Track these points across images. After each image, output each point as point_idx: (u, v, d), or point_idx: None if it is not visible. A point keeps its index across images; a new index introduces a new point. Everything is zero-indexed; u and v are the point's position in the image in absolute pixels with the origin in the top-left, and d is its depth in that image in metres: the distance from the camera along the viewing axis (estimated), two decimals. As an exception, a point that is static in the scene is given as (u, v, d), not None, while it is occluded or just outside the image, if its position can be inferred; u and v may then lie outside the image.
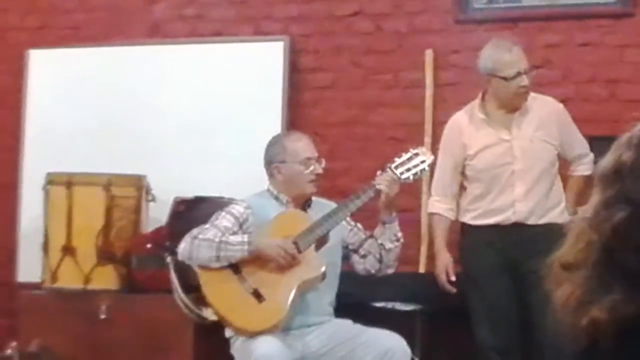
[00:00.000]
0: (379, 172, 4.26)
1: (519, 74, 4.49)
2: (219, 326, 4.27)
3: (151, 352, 4.91)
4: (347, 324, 4.26)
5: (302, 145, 4.36)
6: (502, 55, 4.52)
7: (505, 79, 4.48)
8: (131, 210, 5.30)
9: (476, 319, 4.57)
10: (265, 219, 4.25)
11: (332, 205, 4.36)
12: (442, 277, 4.61)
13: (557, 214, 4.53)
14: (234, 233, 4.18)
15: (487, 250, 4.54)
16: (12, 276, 5.80)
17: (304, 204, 4.36)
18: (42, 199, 5.32)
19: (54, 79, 5.91)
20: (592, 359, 1.48)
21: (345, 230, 4.36)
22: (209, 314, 4.42)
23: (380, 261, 4.34)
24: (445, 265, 4.62)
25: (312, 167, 4.31)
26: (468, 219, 4.64)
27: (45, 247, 5.27)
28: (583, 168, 4.67)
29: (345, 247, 4.38)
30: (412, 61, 5.49)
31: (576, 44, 5.30)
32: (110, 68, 5.82)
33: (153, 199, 5.40)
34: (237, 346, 4.16)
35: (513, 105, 4.57)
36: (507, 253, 4.50)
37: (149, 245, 5.12)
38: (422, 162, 4.30)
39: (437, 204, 4.72)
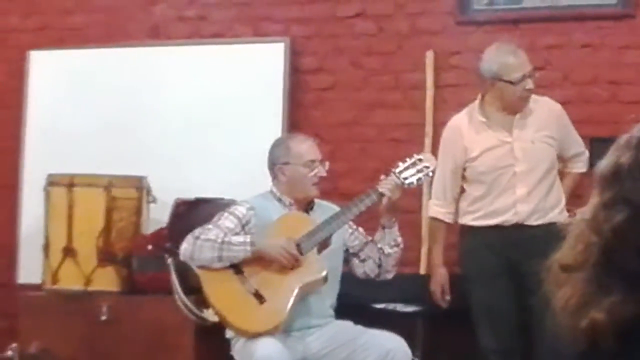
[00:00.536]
0: (382, 177, 4.27)
1: (524, 77, 4.48)
2: (219, 328, 4.26)
3: (152, 353, 4.91)
4: (348, 325, 4.26)
5: (306, 148, 4.36)
6: (506, 58, 4.51)
7: (511, 82, 4.47)
8: (132, 211, 5.30)
9: (477, 321, 4.57)
10: (268, 220, 4.25)
11: (335, 208, 4.36)
12: (438, 294, 4.64)
13: (557, 214, 4.53)
14: (237, 234, 4.18)
15: (486, 252, 4.54)
16: (13, 277, 5.80)
17: (307, 206, 4.36)
18: (42, 200, 5.32)
19: (54, 80, 5.91)
20: (592, 361, 1.48)
21: (347, 234, 4.36)
22: (209, 316, 4.42)
23: (379, 266, 4.34)
24: (441, 283, 4.64)
25: (316, 170, 4.31)
26: (468, 220, 4.64)
27: (46, 249, 5.26)
28: (579, 166, 4.72)
29: (346, 251, 4.38)
30: (413, 62, 5.49)
31: (577, 46, 5.30)
32: (111, 69, 5.82)
33: (154, 200, 5.40)
34: (238, 348, 4.16)
35: (516, 108, 4.56)
36: (506, 255, 4.50)
37: (149, 247, 5.11)
38: (426, 167, 4.32)
39: (436, 207, 4.72)
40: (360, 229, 4.41)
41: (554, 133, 4.60)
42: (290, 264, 4.13)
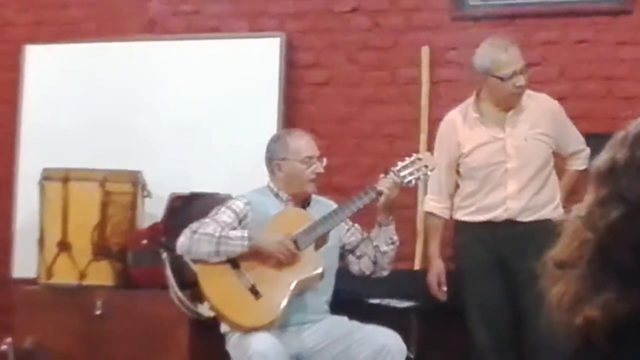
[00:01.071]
0: (381, 175, 4.27)
1: (514, 73, 4.47)
2: (214, 322, 4.26)
3: (146, 347, 4.90)
4: (343, 320, 4.26)
5: (303, 144, 4.36)
6: (498, 54, 4.50)
7: (501, 78, 4.47)
8: (127, 206, 5.29)
9: (470, 316, 4.57)
10: (265, 215, 4.25)
11: (332, 204, 4.37)
12: (434, 285, 4.65)
13: (550, 211, 4.52)
14: (234, 228, 4.18)
15: (478, 248, 4.55)
16: (7, 272, 5.79)
17: (304, 202, 4.36)
18: (37, 194, 5.31)
19: (50, 74, 5.89)
20: (586, 357, 1.48)
21: (343, 230, 4.36)
22: (204, 310, 4.43)
23: (375, 263, 4.35)
24: (437, 274, 4.65)
25: (313, 166, 4.31)
26: (461, 215, 4.65)
27: (41, 243, 5.25)
28: (579, 163, 4.70)
29: (342, 247, 4.38)
30: (409, 58, 5.49)
31: (573, 41, 5.30)
32: (107, 64, 5.80)
33: (149, 195, 5.39)
34: (233, 342, 4.15)
35: (508, 104, 4.56)
36: (498, 251, 4.50)
37: (144, 241, 5.11)
38: (425, 167, 4.32)
39: (432, 203, 4.73)
40: (357, 226, 4.41)
41: (549, 130, 4.59)
42: (287, 260, 4.13)
